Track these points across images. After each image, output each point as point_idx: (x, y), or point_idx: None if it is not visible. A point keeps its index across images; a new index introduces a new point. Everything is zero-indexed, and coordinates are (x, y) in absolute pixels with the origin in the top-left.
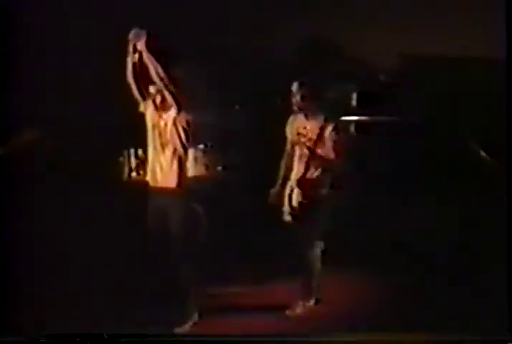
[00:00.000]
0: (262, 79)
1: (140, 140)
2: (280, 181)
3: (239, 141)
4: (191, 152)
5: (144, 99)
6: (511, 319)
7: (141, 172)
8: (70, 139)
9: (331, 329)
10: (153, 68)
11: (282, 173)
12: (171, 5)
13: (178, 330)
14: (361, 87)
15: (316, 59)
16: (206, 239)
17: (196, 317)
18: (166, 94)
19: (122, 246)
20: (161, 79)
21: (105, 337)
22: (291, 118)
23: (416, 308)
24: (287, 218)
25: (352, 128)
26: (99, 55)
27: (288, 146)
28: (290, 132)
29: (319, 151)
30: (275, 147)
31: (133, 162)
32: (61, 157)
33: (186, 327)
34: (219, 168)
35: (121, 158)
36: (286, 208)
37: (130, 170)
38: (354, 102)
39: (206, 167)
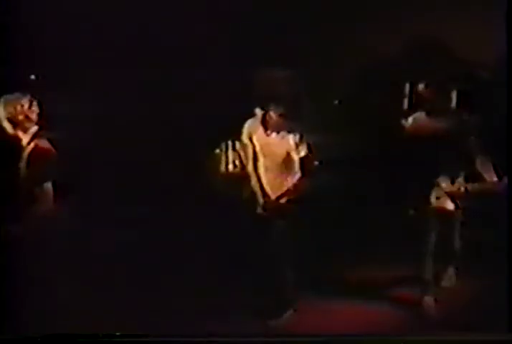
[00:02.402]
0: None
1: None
2: None
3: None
4: None
5: None
6: (511, 319)
7: (238, 164)
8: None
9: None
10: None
11: None
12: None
13: (273, 325)
14: (461, 86)
15: (418, 58)
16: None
17: (291, 312)
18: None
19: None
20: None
21: (100, 336)
22: None
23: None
24: None
25: None
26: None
27: None
28: None
29: None
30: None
31: (230, 154)
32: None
33: (281, 322)
34: (316, 162)
35: (217, 150)
36: None
37: (227, 163)
38: (454, 102)
39: None
